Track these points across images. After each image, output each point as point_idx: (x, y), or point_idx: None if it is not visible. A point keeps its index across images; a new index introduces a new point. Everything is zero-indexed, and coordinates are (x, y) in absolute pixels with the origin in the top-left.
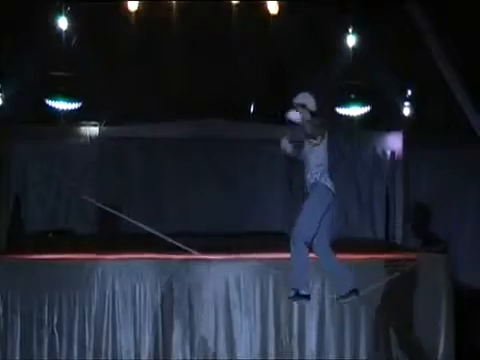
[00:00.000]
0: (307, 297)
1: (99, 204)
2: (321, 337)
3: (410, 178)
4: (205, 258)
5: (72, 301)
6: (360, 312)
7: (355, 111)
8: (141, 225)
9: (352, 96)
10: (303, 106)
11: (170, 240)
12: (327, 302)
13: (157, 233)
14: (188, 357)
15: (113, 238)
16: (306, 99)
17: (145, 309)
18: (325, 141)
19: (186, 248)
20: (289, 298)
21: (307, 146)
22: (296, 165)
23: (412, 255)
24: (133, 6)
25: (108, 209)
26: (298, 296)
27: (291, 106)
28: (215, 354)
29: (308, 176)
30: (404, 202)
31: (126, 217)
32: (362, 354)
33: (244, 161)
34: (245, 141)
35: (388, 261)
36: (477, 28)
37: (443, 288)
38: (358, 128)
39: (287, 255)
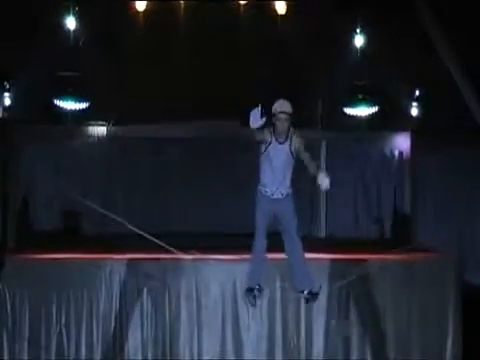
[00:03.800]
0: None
1: (91, 203)
2: (328, 337)
3: (418, 178)
4: (213, 258)
5: (80, 300)
6: (367, 312)
7: (363, 111)
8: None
9: (360, 96)
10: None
11: (160, 242)
12: (334, 302)
13: (147, 235)
14: (195, 357)
15: (120, 237)
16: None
17: (152, 308)
18: None
19: (170, 248)
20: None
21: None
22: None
23: (420, 255)
24: (141, 6)
25: (102, 210)
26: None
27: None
28: (222, 354)
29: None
30: (412, 202)
31: (120, 219)
32: (368, 355)
33: (252, 162)
34: (253, 142)
35: (398, 261)
36: None
37: (451, 288)
38: (366, 128)
39: None
